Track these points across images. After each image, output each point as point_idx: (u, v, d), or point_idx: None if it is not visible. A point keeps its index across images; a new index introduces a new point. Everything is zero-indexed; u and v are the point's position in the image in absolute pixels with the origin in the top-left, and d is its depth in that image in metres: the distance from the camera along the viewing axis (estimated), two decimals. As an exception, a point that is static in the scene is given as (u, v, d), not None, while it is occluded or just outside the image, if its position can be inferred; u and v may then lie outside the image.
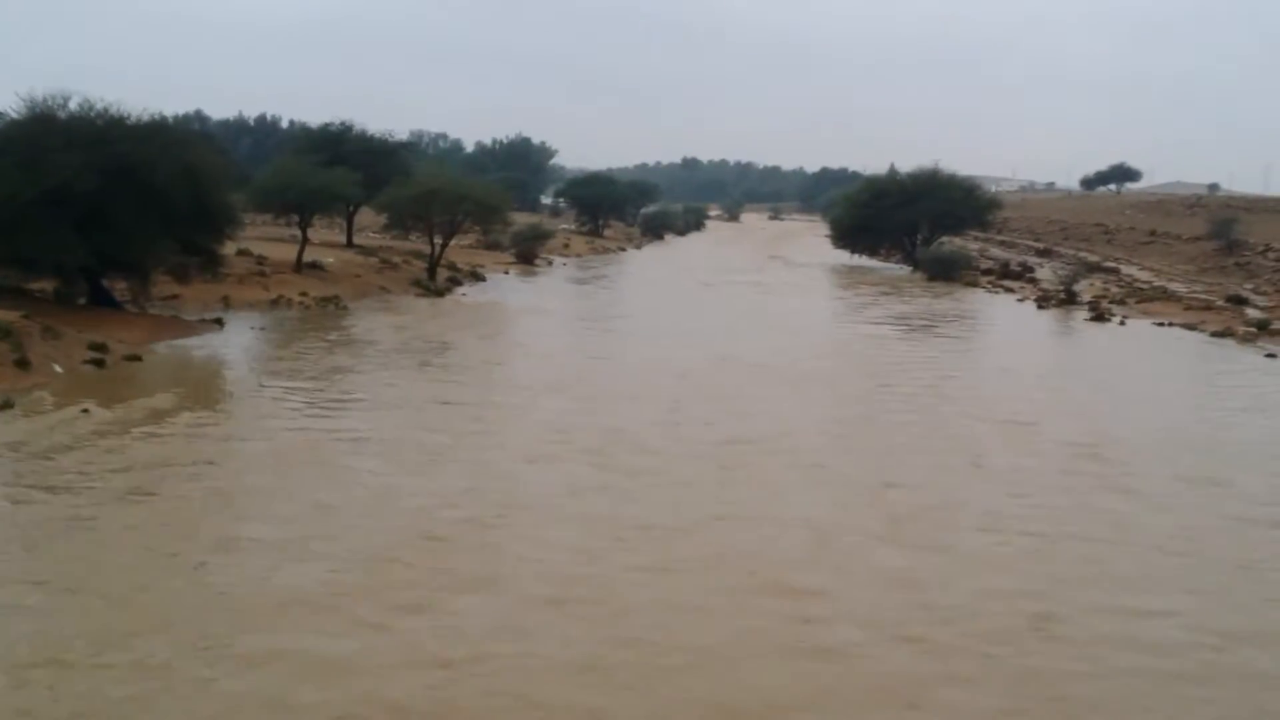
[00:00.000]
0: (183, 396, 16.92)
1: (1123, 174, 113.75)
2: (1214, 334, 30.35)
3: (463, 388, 19.30)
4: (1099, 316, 34.08)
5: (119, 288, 25.08)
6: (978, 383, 22.41)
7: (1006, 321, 34.74)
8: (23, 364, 17.33)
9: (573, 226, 75.93)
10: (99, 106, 24.47)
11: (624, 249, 67.97)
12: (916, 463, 14.70)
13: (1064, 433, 16.74)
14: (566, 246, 59.07)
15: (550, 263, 50.52)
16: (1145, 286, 43.06)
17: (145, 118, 25.31)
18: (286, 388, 18.38)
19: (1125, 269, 51.32)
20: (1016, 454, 15.45)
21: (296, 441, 14.53)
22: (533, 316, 30.72)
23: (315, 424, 15.64)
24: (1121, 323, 33.14)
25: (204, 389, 18.68)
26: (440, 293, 34.53)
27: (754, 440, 15.53)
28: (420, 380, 19.87)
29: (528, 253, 48.80)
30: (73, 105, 24.29)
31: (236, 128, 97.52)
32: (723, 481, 13.32)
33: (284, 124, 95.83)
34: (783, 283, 45.89)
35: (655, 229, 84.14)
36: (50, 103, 24.13)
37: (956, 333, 30.97)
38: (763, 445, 15.27)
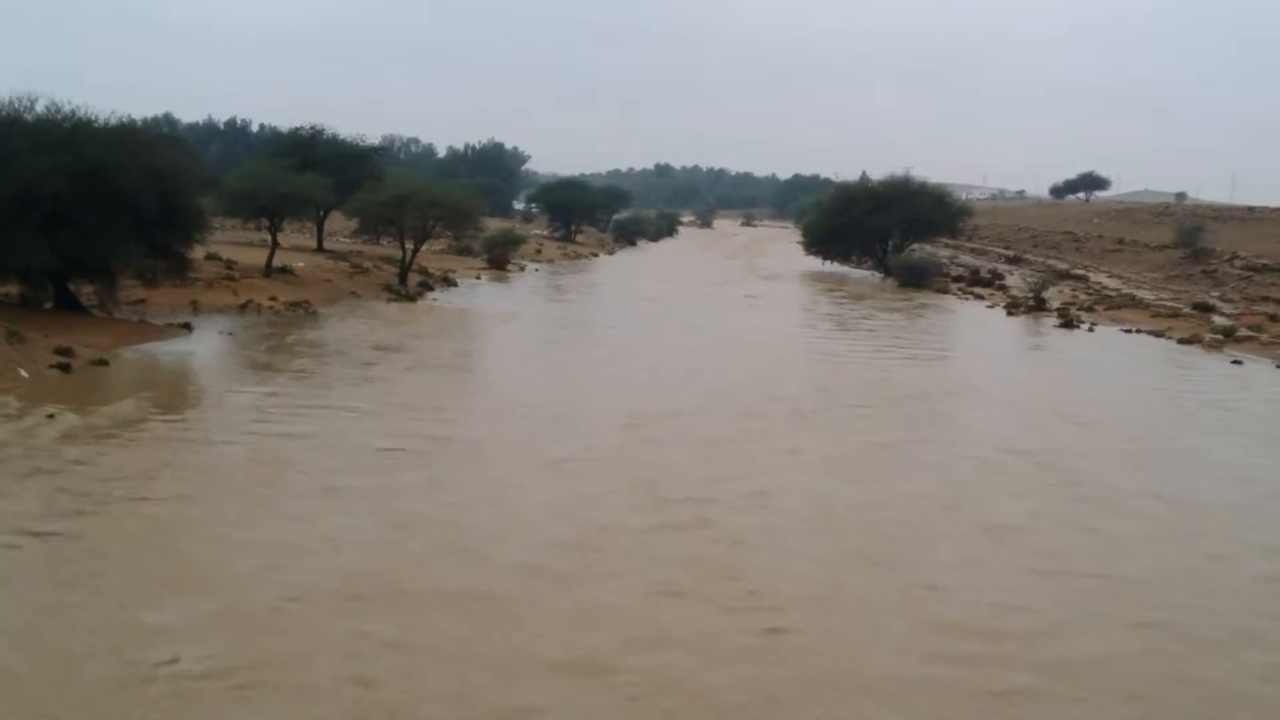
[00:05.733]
0: (149, 401, 16.78)
1: (1091, 182, 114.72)
2: (1181, 340, 30.63)
3: (425, 395, 19.12)
4: (1068, 323, 34.35)
5: (85, 292, 24.85)
6: (960, 407, 21.84)
7: (976, 329, 34.94)
8: (-14, 368, 17.13)
9: (545, 232, 75.94)
10: (66, 109, 24.36)
11: (596, 255, 67.98)
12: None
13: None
14: (539, 252, 59.02)
15: (522, 268, 50.46)
16: (1113, 294, 43.47)
17: (113, 121, 25.20)
18: (253, 392, 18.25)
19: (1094, 276, 51.76)
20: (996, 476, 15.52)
21: (259, 447, 14.45)
22: (502, 324, 30.66)
23: (280, 429, 15.52)
24: (1090, 329, 33.40)
25: (170, 393, 18.51)
26: (411, 298, 34.38)
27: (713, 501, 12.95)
28: (384, 385, 19.71)
29: (500, 258, 48.72)
30: (39, 108, 24.19)
31: (206, 131, 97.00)
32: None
33: (254, 128, 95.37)
34: (756, 291, 45.93)
35: (628, 235, 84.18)
36: (16, 105, 24.00)
37: (930, 344, 31.13)
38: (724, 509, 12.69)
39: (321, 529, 11.07)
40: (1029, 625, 9.51)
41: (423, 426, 16.09)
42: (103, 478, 12.43)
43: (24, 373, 17.79)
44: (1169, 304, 39.24)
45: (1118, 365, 26.93)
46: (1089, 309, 38.35)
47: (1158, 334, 32.22)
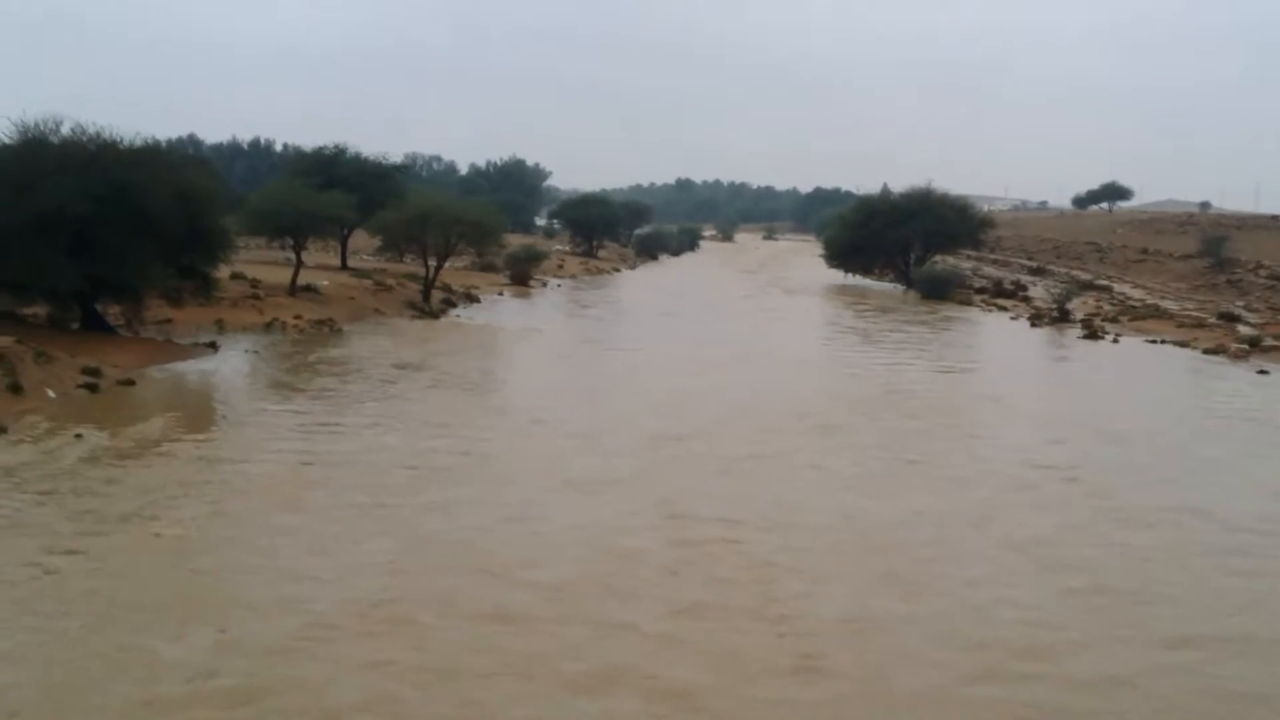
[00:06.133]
0: (175, 420, 16.91)
1: (1114, 192, 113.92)
2: (1206, 351, 30.38)
3: (447, 412, 19.10)
4: (1092, 334, 34.14)
5: (112, 312, 25.05)
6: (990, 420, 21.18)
7: (1000, 341, 34.73)
8: (15, 389, 17.28)
9: (567, 248, 76.00)
10: (91, 131, 24.54)
11: (618, 269, 68.01)
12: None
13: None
14: (561, 267, 59.10)
15: (545, 284, 50.53)
16: (1138, 304, 43.19)
17: (138, 142, 25.42)
18: (277, 411, 18.35)
19: (1118, 287, 51.45)
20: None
21: (284, 466, 14.51)
22: (524, 340, 30.66)
23: (304, 447, 15.58)
24: (1115, 340, 33.19)
25: (196, 413, 18.62)
26: (435, 315, 34.50)
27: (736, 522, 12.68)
28: (406, 404, 19.74)
29: (522, 274, 48.80)
30: (65, 130, 24.37)
31: (230, 152, 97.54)
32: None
33: (278, 148, 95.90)
34: (778, 305, 45.88)
35: (649, 250, 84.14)
36: (42, 128, 24.20)
37: (954, 357, 30.99)
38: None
39: (342, 553, 11.05)
40: (1062, 642, 9.42)
41: (444, 444, 16.10)
42: (126, 498, 12.51)
43: (51, 393, 17.94)
44: (1194, 314, 38.95)
45: (1143, 376, 26.73)
46: (1113, 320, 38.09)
47: (1183, 344, 31.96)
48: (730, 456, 15.98)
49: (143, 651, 8.56)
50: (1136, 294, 48.23)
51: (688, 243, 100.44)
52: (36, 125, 24.17)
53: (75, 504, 12.21)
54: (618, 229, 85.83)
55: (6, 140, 24.71)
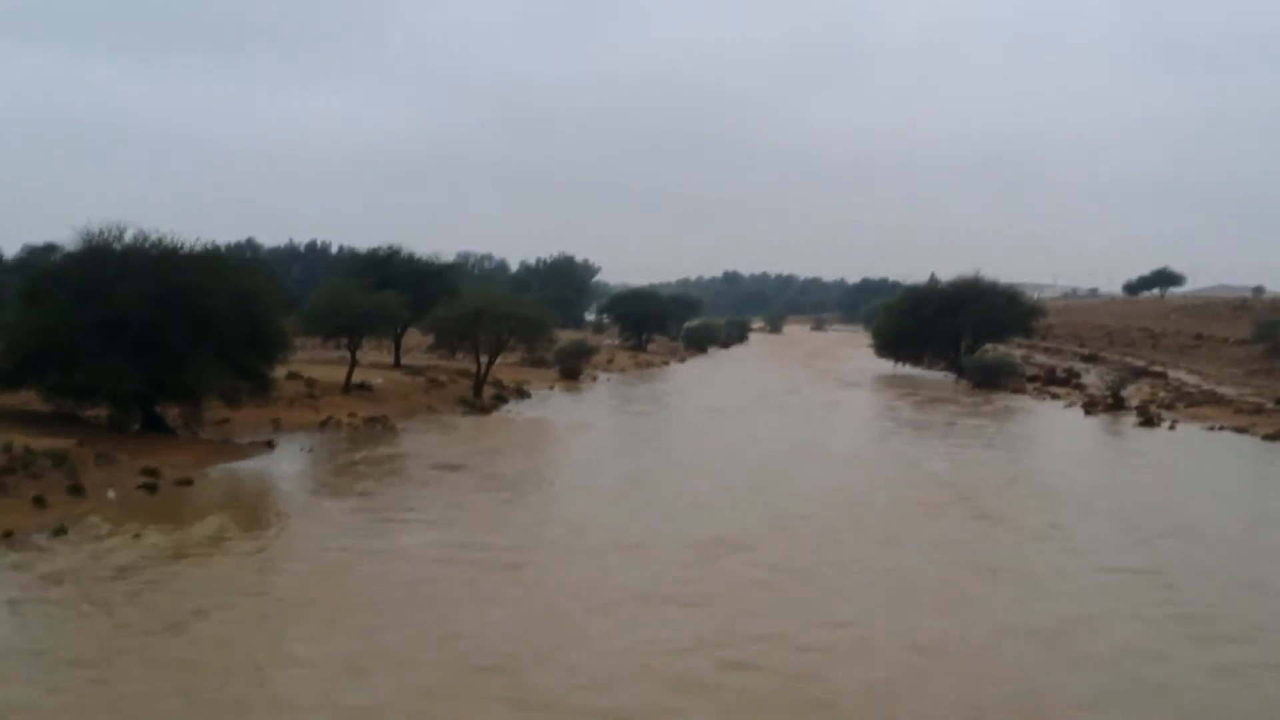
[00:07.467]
0: (233, 519, 17.20)
1: (1166, 278, 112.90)
2: (1266, 437, 29.90)
3: (492, 519, 18.64)
4: (1148, 421, 33.74)
5: (171, 413, 25.52)
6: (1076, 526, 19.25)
7: (1057, 431, 34.31)
8: (76, 490, 17.67)
9: (616, 341, 76.51)
10: (153, 237, 25.26)
11: (668, 363, 68.31)
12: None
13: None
14: (610, 362, 59.46)
15: (595, 378, 50.84)
16: (1193, 390, 42.64)
17: (198, 247, 26.10)
18: (336, 507, 18.60)
19: (1172, 373, 50.87)
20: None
21: (340, 563, 14.65)
22: (572, 436, 30.62)
23: (359, 544, 15.75)
24: (1171, 427, 32.76)
25: (254, 511, 18.89)
26: (486, 410, 34.81)
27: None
28: (453, 509, 19.68)
29: (572, 369, 49.19)
30: (127, 237, 25.10)
31: (287, 254, 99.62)
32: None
33: (333, 249, 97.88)
34: (831, 399, 45.73)
35: (698, 343, 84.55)
36: (106, 235, 24.95)
37: (1013, 448, 30.63)
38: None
39: (376, 688, 10.36)
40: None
41: (484, 556, 15.51)
42: (182, 593, 12.74)
43: (112, 493, 18.29)
44: (1251, 399, 38.36)
45: (1204, 466, 26.28)
46: (1169, 406, 37.64)
47: (1241, 430, 31.51)
48: (785, 568, 15.16)
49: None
50: (1191, 380, 47.64)
51: (736, 335, 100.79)
52: (100, 233, 24.99)
53: (126, 604, 12.46)
54: (666, 322, 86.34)
55: (71, 248, 25.54)
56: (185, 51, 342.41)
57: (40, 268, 30.99)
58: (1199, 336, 61.63)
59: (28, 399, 24.07)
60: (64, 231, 25.43)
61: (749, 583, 14.42)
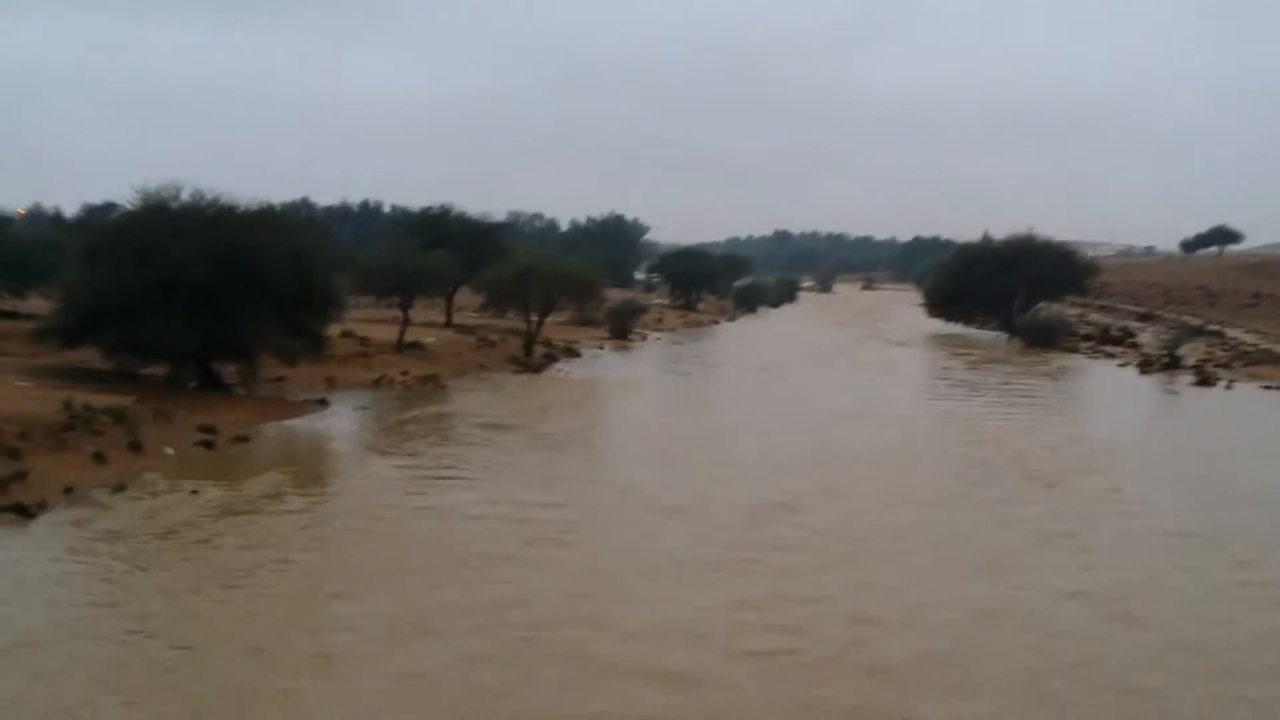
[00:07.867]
0: (289, 476, 17.35)
1: (1224, 236, 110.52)
2: (1327, 397, 29.35)
3: (543, 478, 18.56)
4: (1204, 380, 33.17)
5: (228, 371, 25.81)
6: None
7: (1112, 390, 33.83)
8: (135, 447, 17.92)
9: (666, 301, 76.38)
10: (209, 197, 25.44)
11: (717, 322, 68.14)
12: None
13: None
14: (660, 321, 59.39)
15: (644, 337, 50.81)
16: (1251, 349, 41.85)
17: (253, 206, 26.29)
18: (389, 465, 18.75)
19: (1229, 332, 49.95)
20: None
21: (391, 521, 14.79)
22: (622, 395, 30.66)
23: (410, 501, 15.89)
24: (1228, 386, 32.22)
25: (308, 469, 19.09)
26: (537, 369, 34.91)
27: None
28: (504, 467, 19.58)
29: (622, 328, 49.17)
30: (184, 196, 25.25)
31: (340, 214, 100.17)
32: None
33: (386, 209, 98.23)
34: (883, 356, 45.40)
35: (748, 302, 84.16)
36: (163, 194, 25.13)
37: (1069, 408, 30.26)
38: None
39: (427, 653, 10.25)
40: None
41: (536, 516, 15.26)
42: (238, 550, 12.93)
43: (170, 450, 18.54)
44: (1314, 360, 37.64)
45: (1262, 426, 25.83)
46: (1226, 365, 36.98)
47: (1302, 391, 30.92)
48: (836, 532, 14.85)
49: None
50: (1249, 339, 46.76)
51: (786, 294, 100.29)
52: (157, 192, 25.18)
53: (179, 559, 12.71)
54: (716, 281, 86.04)
55: (130, 207, 25.78)
56: (241, 12, 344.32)
57: (99, 227, 31.39)
58: (1257, 295, 60.51)
59: (88, 356, 24.45)
60: (122, 190, 25.61)
61: (800, 546, 14.20)
